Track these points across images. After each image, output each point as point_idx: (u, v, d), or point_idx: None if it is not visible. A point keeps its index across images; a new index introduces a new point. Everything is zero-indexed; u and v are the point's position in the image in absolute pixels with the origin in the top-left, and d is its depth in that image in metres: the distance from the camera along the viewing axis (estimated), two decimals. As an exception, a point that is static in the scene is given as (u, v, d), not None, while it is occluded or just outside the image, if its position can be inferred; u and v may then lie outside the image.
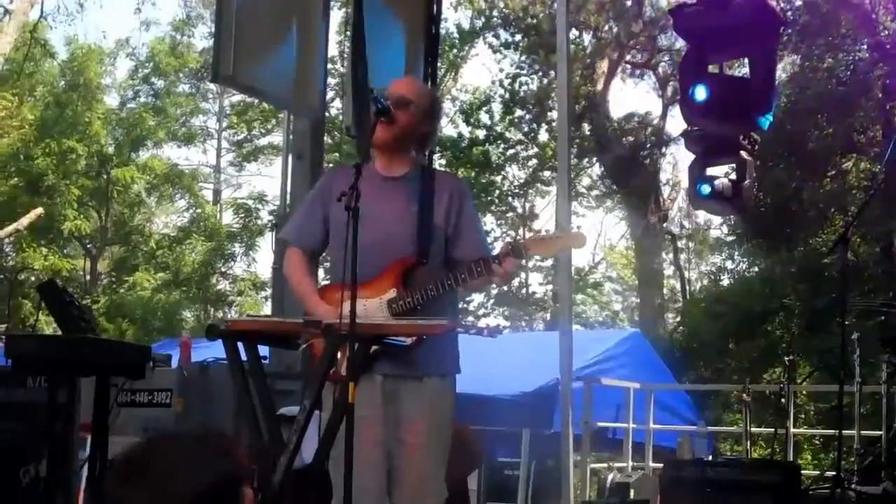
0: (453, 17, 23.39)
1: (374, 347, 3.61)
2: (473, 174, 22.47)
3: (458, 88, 24.61)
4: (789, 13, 16.15)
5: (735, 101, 7.00)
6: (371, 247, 3.56)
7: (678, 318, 23.17)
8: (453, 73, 24.18)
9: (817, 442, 16.18)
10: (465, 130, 23.48)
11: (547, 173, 23.76)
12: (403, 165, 3.97)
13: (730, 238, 21.05)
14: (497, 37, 22.66)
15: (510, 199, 24.71)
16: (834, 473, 6.06)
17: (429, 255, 3.82)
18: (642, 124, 22.27)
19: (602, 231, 32.89)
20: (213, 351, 6.00)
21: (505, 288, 24.71)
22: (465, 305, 22.98)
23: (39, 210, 21.66)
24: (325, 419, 3.64)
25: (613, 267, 28.97)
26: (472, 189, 18.15)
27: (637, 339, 12.28)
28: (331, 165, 18.75)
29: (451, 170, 21.73)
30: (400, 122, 3.86)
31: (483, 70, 35.45)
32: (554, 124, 21.71)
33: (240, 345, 3.78)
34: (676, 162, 23.74)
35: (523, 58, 22.39)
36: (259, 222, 25.45)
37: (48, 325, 14.49)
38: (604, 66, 21.60)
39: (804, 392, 14.65)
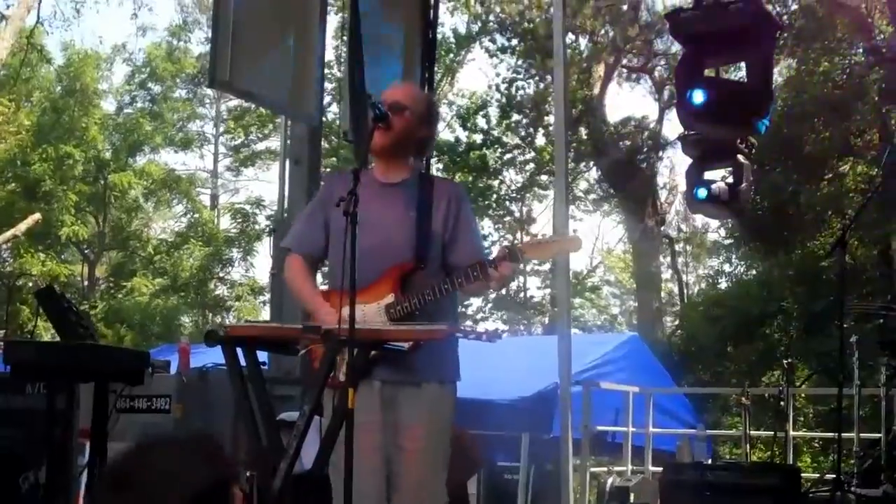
0: (450, 22, 23.43)
1: (373, 353, 3.61)
2: (471, 178, 22.47)
3: (454, 93, 24.64)
4: (785, 17, 16.19)
5: (732, 104, 7.01)
6: (369, 252, 3.56)
7: (676, 322, 23.18)
8: (450, 78, 24.19)
9: (816, 445, 16.18)
10: (462, 135, 23.50)
11: (544, 177, 23.76)
12: (402, 171, 3.98)
13: (727, 241, 21.07)
14: (493, 41, 22.68)
15: (507, 203, 24.70)
16: (834, 476, 6.06)
17: (427, 261, 3.82)
18: (639, 128, 22.30)
19: (599, 235, 33.00)
20: (211, 356, 5.99)
21: (503, 292, 24.71)
22: (464, 310, 22.95)
23: (37, 216, 21.65)
24: (324, 425, 3.64)
25: (611, 271, 28.98)
26: (470, 193, 18.17)
27: (635, 342, 12.27)
28: (328, 171, 18.84)
29: (449, 174, 21.74)
30: (396, 127, 3.87)
31: (480, 75, 35.57)
32: (551, 128, 21.73)
33: (239, 350, 3.78)
34: (673, 166, 23.83)
35: (520, 62, 22.40)
36: (257, 227, 25.47)
37: (46, 331, 14.49)
38: (600, 70, 21.62)
39: (803, 395, 14.66)
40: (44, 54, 24.52)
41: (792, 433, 8.46)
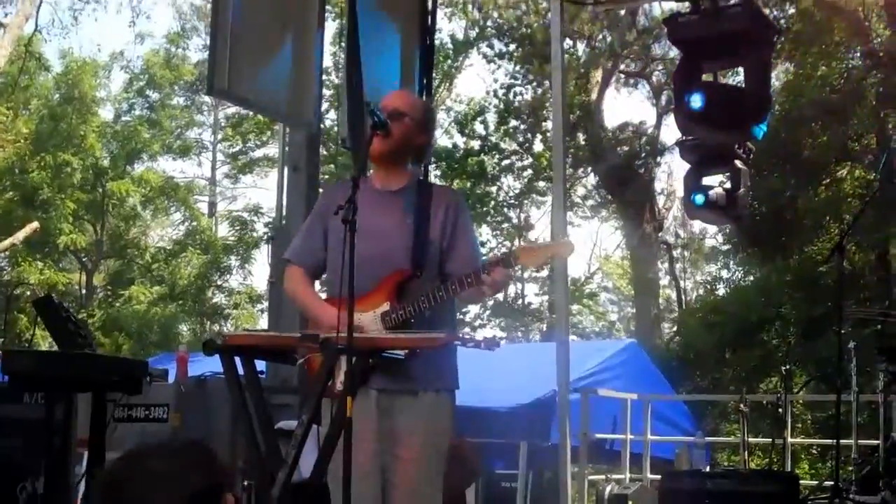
0: (447, 28, 23.44)
1: (371, 361, 3.61)
2: (469, 185, 22.47)
3: (452, 99, 24.65)
4: (782, 21, 16.21)
5: (731, 109, 6.99)
6: (367, 261, 3.56)
7: (674, 328, 23.16)
8: (448, 84, 24.20)
9: (814, 451, 16.18)
10: (460, 141, 23.51)
11: (542, 183, 23.76)
12: (400, 179, 3.98)
13: (725, 247, 21.08)
14: (491, 47, 22.69)
15: (505, 209, 24.70)
16: (832, 483, 6.05)
17: (423, 268, 3.82)
18: (637, 134, 22.30)
19: (597, 241, 32.95)
20: (209, 365, 5.99)
21: (501, 299, 24.71)
22: (462, 317, 22.95)
23: (35, 225, 21.65)
24: (322, 433, 3.63)
25: (609, 277, 28.98)
26: (468, 200, 18.15)
27: (634, 349, 12.26)
28: (326, 178, 18.84)
29: (446, 180, 21.74)
30: (395, 134, 3.87)
31: (477, 80, 35.42)
32: (549, 134, 21.76)
33: (237, 359, 3.78)
34: (671, 171, 23.85)
35: (517, 68, 22.41)
36: (255, 234, 25.47)
37: (44, 340, 14.46)
38: (598, 75, 21.63)
39: (801, 401, 14.66)
40: (42, 62, 24.56)
41: (790, 440, 8.46)
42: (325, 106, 17.75)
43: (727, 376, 17.36)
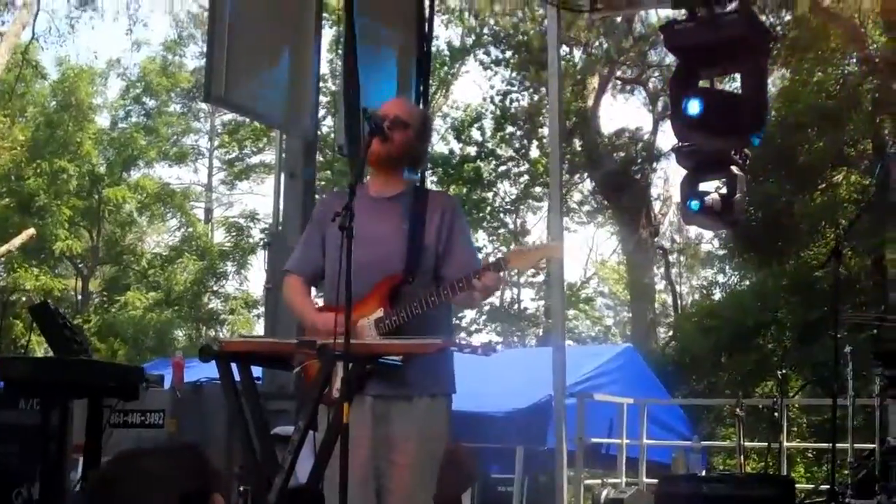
0: (444, 35, 23.48)
1: (367, 367, 3.61)
2: (465, 191, 22.49)
3: (449, 105, 24.65)
4: (779, 27, 16.24)
5: (728, 115, 7.00)
6: (364, 267, 3.58)
7: (670, 333, 23.17)
8: (444, 91, 24.22)
9: (810, 455, 16.18)
10: (457, 147, 23.53)
11: (538, 189, 23.79)
12: (396, 185, 4.01)
13: (721, 252, 21.08)
14: (488, 54, 22.73)
15: (502, 215, 24.72)
16: (828, 487, 6.06)
17: (417, 274, 3.83)
18: (633, 139, 22.33)
19: (593, 246, 33.02)
20: (206, 371, 5.98)
21: (497, 304, 24.73)
22: (458, 322, 22.93)
23: (31, 231, 21.65)
24: (319, 440, 3.64)
25: (605, 282, 28.98)
26: (464, 206, 18.19)
27: (630, 354, 12.28)
28: (322, 184, 18.84)
29: (443, 186, 21.74)
30: (397, 141, 3.90)
31: (474, 87, 35.57)
32: (545, 140, 21.80)
33: (233, 365, 3.78)
34: (667, 177, 23.85)
35: (514, 74, 22.45)
36: (251, 241, 25.47)
37: (39, 346, 14.45)
38: (594, 82, 21.66)
39: (796, 405, 14.66)
40: (39, 70, 24.57)
41: (786, 444, 8.47)
42: (321, 113, 17.76)
43: (723, 380, 17.36)
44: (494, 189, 24.10)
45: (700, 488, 6.17)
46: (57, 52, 39.01)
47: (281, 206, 7.56)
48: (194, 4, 26.80)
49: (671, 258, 24.87)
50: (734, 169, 7.52)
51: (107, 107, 27.54)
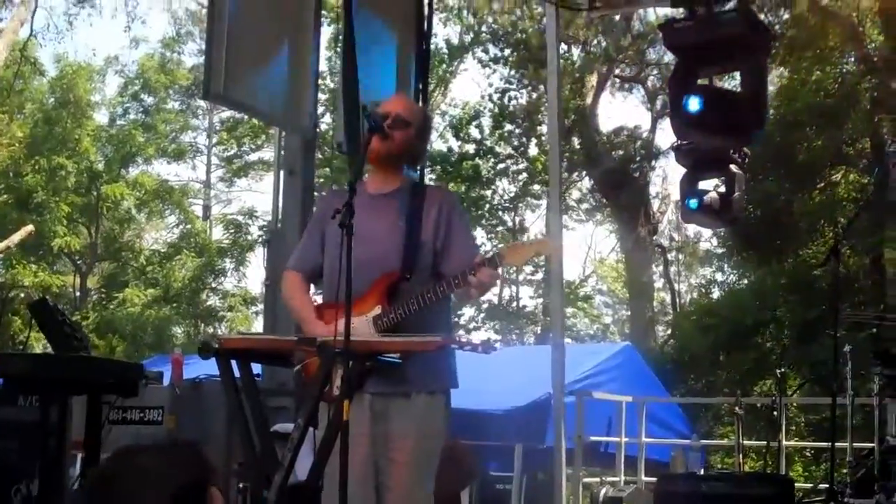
0: (442, 33, 23.51)
1: (367, 364, 3.61)
2: (464, 188, 22.49)
3: (447, 103, 24.68)
4: (777, 26, 16.24)
5: (727, 113, 7.00)
6: (363, 265, 3.57)
7: (669, 331, 23.19)
8: (443, 88, 24.21)
9: (808, 454, 16.18)
10: (455, 145, 23.56)
11: (537, 187, 23.80)
12: (395, 181, 4.01)
13: (720, 250, 21.10)
14: (486, 52, 22.73)
15: (500, 213, 24.73)
16: (827, 486, 6.06)
17: (414, 270, 3.83)
18: (632, 138, 22.33)
19: (592, 244, 33.01)
20: (205, 367, 5.98)
21: (495, 301, 24.74)
22: (456, 319, 22.95)
23: (30, 228, 21.65)
24: (319, 437, 3.64)
25: (604, 280, 28.99)
26: (463, 203, 18.18)
27: (629, 352, 12.28)
28: (321, 181, 18.83)
29: (442, 184, 21.74)
30: (398, 139, 3.91)
31: (472, 85, 35.58)
32: (543, 138, 21.81)
33: (233, 362, 3.78)
34: (666, 175, 23.85)
35: (512, 72, 22.45)
36: (249, 238, 25.47)
37: (37, 343, 14.46)
38: (593, 80, 21.66)
39: (794, 404, 14.67)
40: (37, 66, 24.55)
41: (785, 443, 8.47)
42: (320, 110, 17.75)
43: (721, 379, 17.37)
44: (493, 187, 24.13)
45: (699, 487, 6.17)
46: (55, 49, 39.00)
47: (280, 204, 7.55)
48: (192, 2, 26.89)
49: (670, 256, 24.88)
50: (733, 167, 7.53)
51: (105, 104, 27.57)
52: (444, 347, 3.66)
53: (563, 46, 19.71)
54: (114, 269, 26.50)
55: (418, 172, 5.95)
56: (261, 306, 24.41)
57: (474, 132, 23.41)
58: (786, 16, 16.99)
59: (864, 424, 7.49)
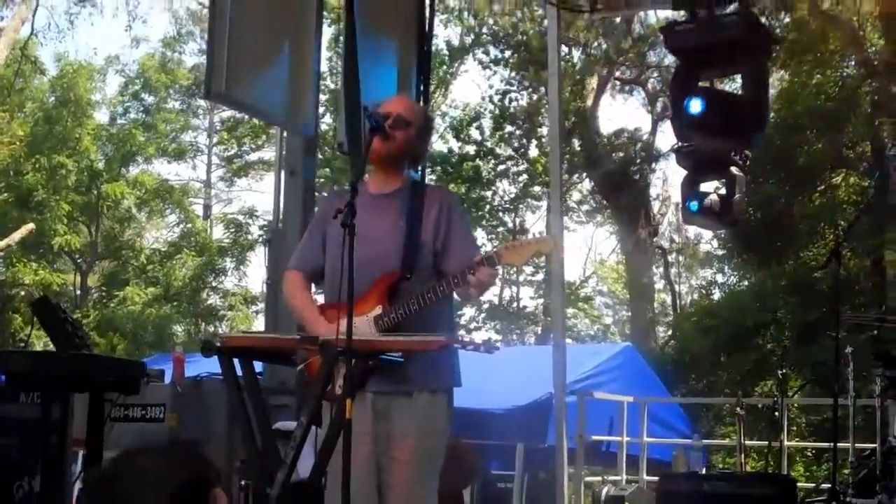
0: (443, 34, 23.49)
1: (370, 363, 3.61)
2: (464, 189, 22.50)
3: (448, 104, 24.67)
4: (778, 30, 16.24)
5: (729, 116, 7.00)
6: (364, 265, 3.57)
7: (669, 332, 23.19)
8: (443, 90, 24.22)
9: (809, 454, 16.20)
10: (456, 146, 23.56)
11: (537, 188, 23.81)
12: (395, 181, 4.02)
13: (720, 252, 21.11)
14: (487, 53, 22.74)
15: (501, 214, 24.73)
16: (829, 486, 6.07)
17: (414, 270, 3.83)
18: (632, 140, 22.34)
19: (592, 245, 32.99)
20: (206, 366, 5.98)
21: (496, 301, 24.74)
22: (457, 319, 22.95)
23: (31, 226, 21.66)
24: (321, 435, 3.64)
25: (604, 281, 28.99)
26: (463, 204, 18.20)
27: (629, 352, 12.29)
28: (321, 181, 18.84)
29: (442, 185, 21.75)
30: (399, 140, 3.91)
31: (473, 86, 35.58)
32: (544, 140, 21.82)
33: (235, 360, 3.79)
34: (666, 177, 23.88)
35: (513, 74, 22.46)
36: (249, 237, 25.49)
37: (38, 341, 14.47)
38: (593, 82, 21.67)
39: (795, 405, 14.68)
40: (38, 65, 24.55)
41: (786, 443, 8.48)
42: (320, 110, 17.75)
43: (722, 380, 17.38)
44: (493, 188, 24.14)
45: (701, 486, 6.17)
46: (56, 48, 39.08)
47: (281, 204, 7.56)
48: (193, 1, 26.86)
49: (670, 258, 24.90)
50: (734, 169, 7.53)
51: (105, 103, 27.55)
52: (447, 347, 3.66)
53: (564, 48, 19.71)
54: (114, 268, 26.50)
55: (419, 173, 5.97)
56: (261, 305, 24.46)
57: (475, 133, 23.45)
58: (786, 19, 17.00)
59: (865, 425, 7.49)
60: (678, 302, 24.86)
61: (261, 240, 23.12)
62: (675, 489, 6.41)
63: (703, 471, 7.63)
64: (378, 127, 3.81)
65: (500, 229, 24.76)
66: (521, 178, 24.02)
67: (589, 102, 21.50)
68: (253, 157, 28.41)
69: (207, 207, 29.49)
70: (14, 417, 4.89)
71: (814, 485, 9.65)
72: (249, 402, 3.74)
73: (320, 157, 19.46)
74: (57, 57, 25.99)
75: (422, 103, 7.54)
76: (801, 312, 15.56)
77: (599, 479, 9.72)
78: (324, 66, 18.72)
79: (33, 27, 21.91)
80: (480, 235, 23.77)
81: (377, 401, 3.77)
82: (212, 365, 4.00)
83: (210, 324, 25.95)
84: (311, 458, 3.61)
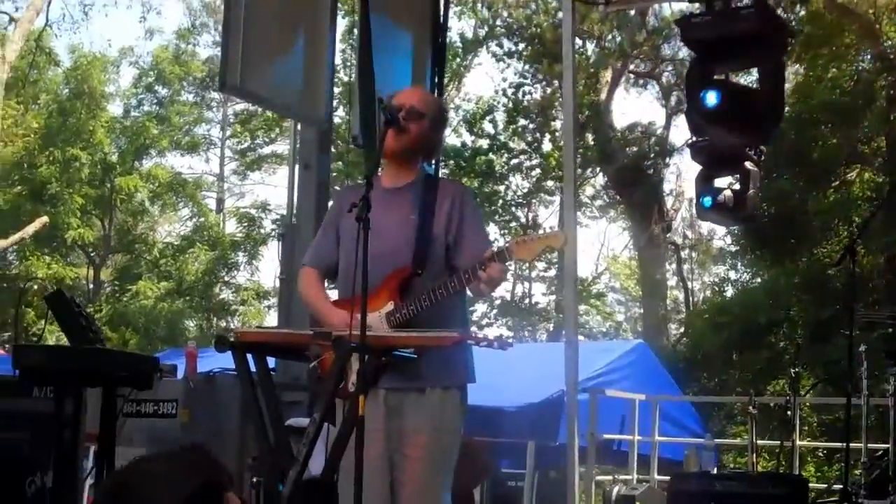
0: (457, 27, 23.42)
1: (384, 359, 3.60)
2: (477, 183, 22.46)
3: (461, 97, 24.65)
4: (793, 23, 16.16)
5: (745, 109, 6.95)
6: (376, 259, 3.55)
7: (681, 329, 23.14)
8: (457, 83, 24.19)
9: (820, 454, 16.14)
10: (469, 139, 23.51)
11: (550, 183, 23.77)
12: (408, 175, 3.99)
13: (733, 248, 21.04)
14: (500, 46, 22.69)
15: (513, 208, 24.70)
16: (841, 487, 6.03)
17: (426, 265, 3.82)
18: (646, 134, 22.28)
19: (605, 241, 32.91)
20: (218, 361, 6.00)
21: (508, 298, 24.72)
22: (469, 315, 22.94)
23: (45, 219, 21.73)
24: (332, 432, 3.63)
25: (616, 277, 28.94)
26: (476, 199, 18.18)
27: (642, 350, 12.22)
28: (334, 175, 18.82)
29: (455, 179, 21.73)
30: (412, 132, 3.89)
31: (486, 79, 35.52)
32: (557, 134, 21.76)
33: (249, 356, 3.78)
34: (680, 172, 23.85)
35: (527, 67, 22.39)
36: (262, 231, 25.51)
37: (51, 334, 14.50)
38: (607, 75, 21.62)
39: (807, 404, 14.63)
40: (52, 57, 24.61)
41: (798, 443, 8.43)
42: (333, 103, 17.76)
43: (734, 378, 17.33)
44: (506, 182, 24.10)
45: (713, 486, 6.15)
46: (70, 40, 39.20)
47: (295, 198, 7.56)
48: (207, -7, 26.88)
49: (683, 254, 24.83)
50: (748, 164, 7.47)
51: (119, 95, 27.63)
52: (460, 343, 3.65)
53: (578, 41, 19.67)
54: (127, 262, 26.57)
55: (434, 166, 5.94)
56: (273, 300, 24.50)
57: (488, 127, 23.40)
58: (802, 12, 16.93)
59: (878, 425, 7.45)
60: (691, 299, 24.81)
61: (273, 234, 23.13)
62: (687, 489, 6.39)
63: (715, 470, 7.60)
64: (393, 120, 3.79)
65: (513, 224, 24.74)
66: (534, 173, 23.98)
67: (603, 96, 21.45)
68: (266, 150, 28.48)
69: (220, 201, 29.57)
70: (27, 412, 4.90)
71: (825, 485, 9.62)
72: (262, 398, 3.73)
73: (333, 150, 19.46)
74: (71, 48, 26.12)
75: (437, 95, 7.52)
76: (814, 310, 15.49)
77: (610, 478, 9.68)
78: (337, 59, 18.72)
79: (48, 18, 22.00)
80: (493, 230, 23.74)
81: (389, 397, 3.76)
82: (224, 360, 3.99)
83: (222, 318, 26.00)
84: (322, 455, 3.60)
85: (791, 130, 15.20)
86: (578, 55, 19.82)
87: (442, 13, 8.06)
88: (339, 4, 7.94)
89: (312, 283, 4.03)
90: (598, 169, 23.03)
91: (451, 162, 22.27)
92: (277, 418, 3.76)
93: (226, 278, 26.30)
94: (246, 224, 26.15)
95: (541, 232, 3.77)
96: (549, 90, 22.25)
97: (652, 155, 21.98)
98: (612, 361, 10.93)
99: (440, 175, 7.18)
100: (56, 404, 4.62)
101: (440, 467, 3.82)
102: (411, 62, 7.75)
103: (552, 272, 24.32)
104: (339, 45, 18.34)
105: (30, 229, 21.43)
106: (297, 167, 7.58)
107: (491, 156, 23.07)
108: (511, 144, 23.39)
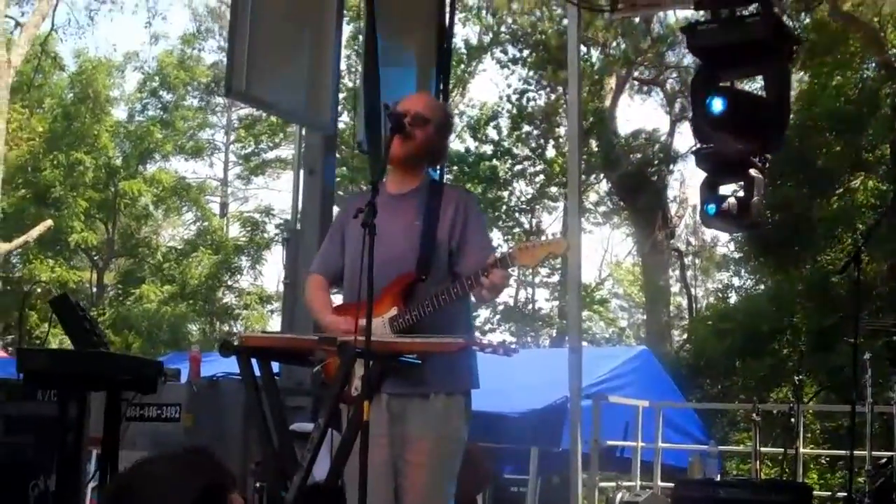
0: (461, 33, 23.44)
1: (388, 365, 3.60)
2: (481, 189, 22.47)
3: (465, 103, 24.65)
4: (798, 31, 16.16)
5: (751, 116, 6.95)
6: (381, 265, 3.54)
7: (684, 336, 23.11)
8: (461, 89, 24.20)
9: (824, 462, 16.11)
10: (473, 145, 23.53)
11: (554, 189, 23.77)
12: (413, 181, 3.98)
13: (737, 255, 21.01)
14: (505, 52, 22.70)
15: (517, 214, 24.70)
16: (845, 494, 6.03)
17: (430, 271, 3.81)
18: (650, 141, 22.28)
19: (609, 247, 32.91)
20: (222, 365, 5.98)
21: (511, 303, 24.70)
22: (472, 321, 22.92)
23: (49, 222, 21.76)
24: (338, 438, 3.63)
25: (620, 283, 28.94)
26: (480, 204, 18.17)
27: (646, 356, 12.21)
28: (338, 180, 18.82)
29: (459, 185, 21.71)
30: (418, 139, 3.88)
31: (491, 85, 35.53)
32: (561, 140, 21.77)
33: (253, 360, 3.77)
34: (684, 179, 23.81)
35: (531, 73, 22.41)
36: (266, 236, 25.52)
37: (54, 338, 14.50)
38: (612, 82, 21.62)
39: (810, 411, 14.61)
40: (57, 61, 24.66)
41: (802, 450, 8.42)
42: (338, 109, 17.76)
43: (737, 385, 17.29)
44: (510, 188, 24.11)
45: (717, 493, 6.15)
46: (75, 44, 39.27)
47: (300, 203, 7.55)
48: (213, -1, 26.92)
49: (686, 261, 24.82)
50: (753, 172, 7.47)
51: (124, 100, 27.66)
52: (465, 349, 3.64)
53: (583, 48, 19.66)
54: (130, 266, 26.60)
55: (439, 172, 5.94)
56: (276, 305, 24.49)
57: (492, 133, 23.42)
58: (807, 20, 16.93)
59: (881, 433, 7.44)
60: (694, 305, 24.78)
61: (277, 238, 23.13)
62: (690, 496, 6.39)
63: (718, 477, 7.59)
64: (399, 126, 3.79)
65: (517, 230, 24.73)
66: (537, 179, 23.98)
67: (607, 103, 21.45)
68: (270, 155, 28.50)
69: (224, 205, 29.57)
70: (31, 415, 4.90)
71: (828, 493, 9.60)
72: (266, 403, 3.72)
73: (338, 155, 19.47)
74: (76, 53, 26.15)
75: (441, 101, 7.51)
76: (817, 317, 15.46)
77: (614, 484, 9.67)
78: (342, 64, 18.74)
79: (53, 23, 22.03)
80: (496, 236, 23.75)
81: (393, 403, 3.75)
82: (228, 365, 3.99)
83: (225, 323, 26.01)
84: (326, 460, 3.59)
85: (795, 138, 15.18)
86: (583, 62, 19.81)
87: (448, 19, 8.06)
88: (345, 10, 7.95)
89: (316, 291, 4.03)
90: (601, 175, 23.04)
91: (455, 167, 22.30)
92: (281, 423, 3.76)
93: (229, 282, 26.33)
94: (249, 228, 26.18)
95: (544, 238, 3.74)
96: (553, 96, 22.27)
97: (656, 161, 21.98)
98: (615, 368, 10.92)
99: (444, 181, 7.19)
100: (60, 408, 4.62)
101: (443, 474, 3.81)
102: (416, 68, 7.75)
103: (556, 278, 24.32)
104: (343, 51, 18.44)
105: (34, 233, 21.45)
106: (301, 172, 7.57)
107: (495, 162, 23.09)
108: (515, 150, 23.40)
